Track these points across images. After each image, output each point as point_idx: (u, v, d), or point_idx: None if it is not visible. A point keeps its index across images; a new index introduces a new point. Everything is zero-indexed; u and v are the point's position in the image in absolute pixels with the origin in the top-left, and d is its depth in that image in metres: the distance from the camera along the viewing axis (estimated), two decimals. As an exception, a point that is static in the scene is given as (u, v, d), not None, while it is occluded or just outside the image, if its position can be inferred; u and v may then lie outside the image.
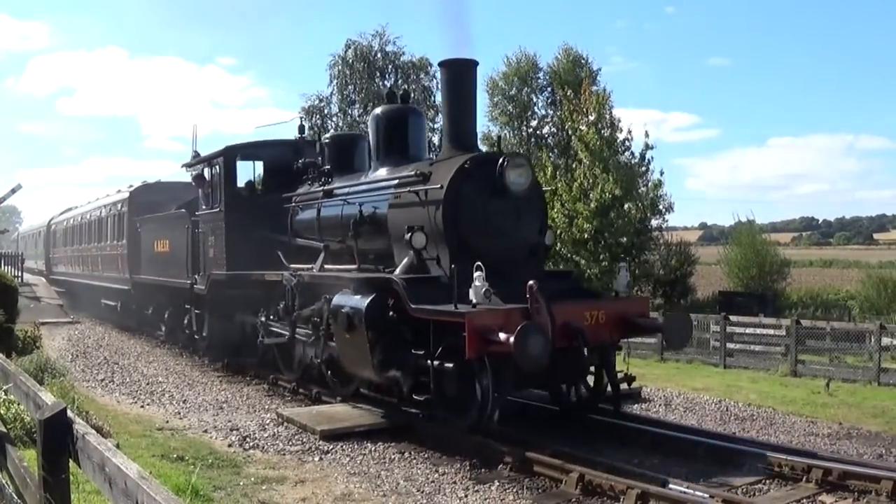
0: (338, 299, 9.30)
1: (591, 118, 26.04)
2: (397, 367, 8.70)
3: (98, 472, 3.09)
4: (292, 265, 11.83)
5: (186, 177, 18.18)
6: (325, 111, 35.94)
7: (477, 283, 7.86)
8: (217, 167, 14.23)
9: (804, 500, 6.71)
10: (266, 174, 14.57)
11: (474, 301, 7.80)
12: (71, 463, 3.62)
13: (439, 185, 8.98)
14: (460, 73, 9.61)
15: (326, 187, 11.80)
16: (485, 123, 38.65)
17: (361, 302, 8.77)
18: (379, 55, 35.45)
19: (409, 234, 9.00)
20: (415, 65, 35.59)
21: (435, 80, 35.29)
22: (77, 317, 24.37)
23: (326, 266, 11.07)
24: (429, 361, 8.20)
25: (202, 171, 14.83)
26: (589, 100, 26.33)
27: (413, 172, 9.57)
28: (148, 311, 19.17)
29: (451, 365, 7.93)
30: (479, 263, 7.99)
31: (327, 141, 13.06)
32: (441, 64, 9.92)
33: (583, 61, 36.29)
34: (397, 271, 9.15)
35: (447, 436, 8.65)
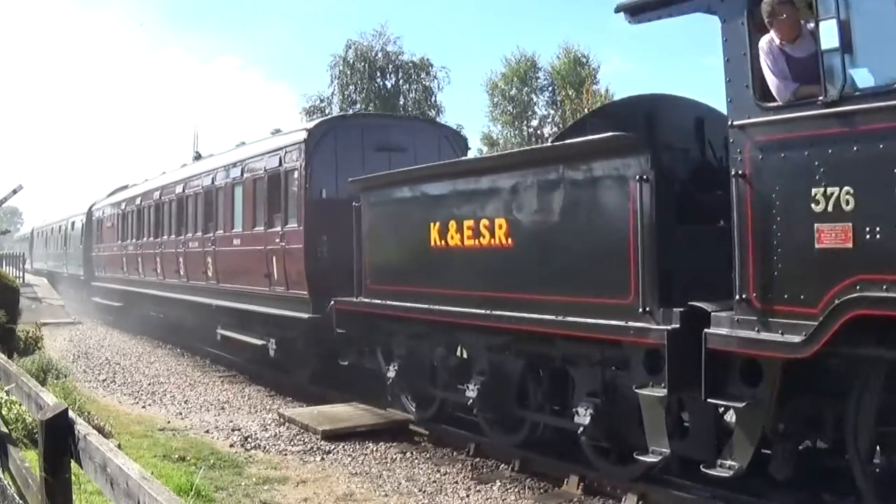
0: None
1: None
2: None
3: (100, 472, 3.09)
4: None
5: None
6: (327, 111, 36.01)
7: None
8: None
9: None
10: None
11: None
12: (73, 464, 3.62)
13: None
14: None
15: None
16: (485, 123, 38.76)
17: None
18: (379, 55, 35.54)
19: None
20: (416, 64, 35.66)
21: (436, 81, 35.38)
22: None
23: None
24: None
25: None
26: (590, 99, 26.41)
27: None
28: (384, 371, 9.29)
29: None
30: None
31: None
32: None
33: (583, 59, 36.36)
34: None
35: (449, 435, 8.67)
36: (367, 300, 9.24)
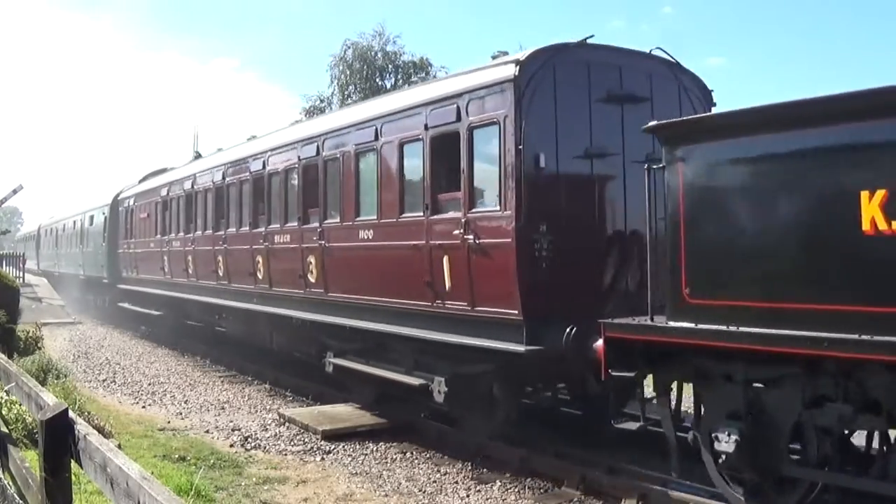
0: None
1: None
2: None
3: (100, 472, 3.09)
4: None
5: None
6: (326, 112, 36.02)
7: None
8: None
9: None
10: None
11: None
12: (73, 463, 3.62)
13: None
14: None
15: None
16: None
17: None
18: (379, 55, 35.55)
19: None
20: (416, 64, 35.66)
21: (436, 81, 35.37)
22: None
23: None
24: None
25: None
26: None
27: None
28: (703, 440, 5.95)
29: None
30: None
31: None
32: None
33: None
34: None
35: (449, 435, 8.66)
36: (688, 325, 5.64)
